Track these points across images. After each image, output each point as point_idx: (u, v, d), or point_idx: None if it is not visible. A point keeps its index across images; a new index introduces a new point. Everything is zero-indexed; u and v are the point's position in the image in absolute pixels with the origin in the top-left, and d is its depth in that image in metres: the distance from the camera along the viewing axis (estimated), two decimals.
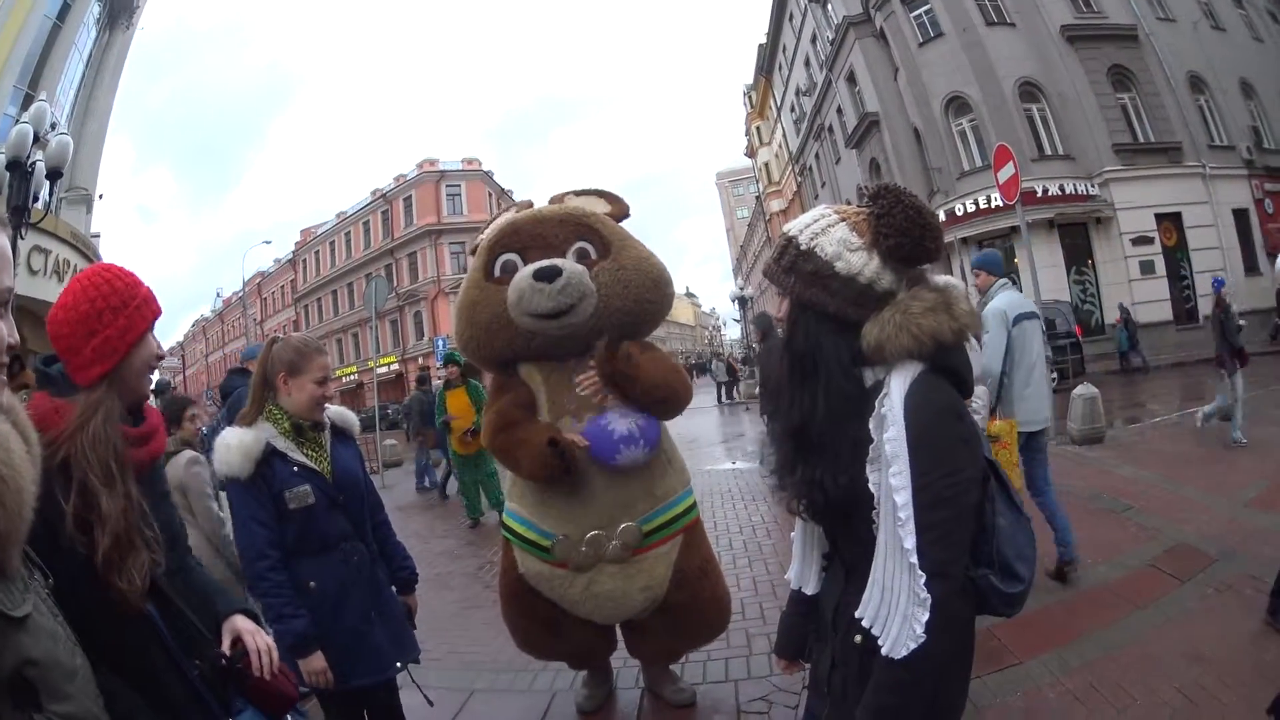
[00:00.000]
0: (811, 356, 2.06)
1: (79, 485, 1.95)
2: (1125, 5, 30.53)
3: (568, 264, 4.12)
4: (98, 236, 23.59)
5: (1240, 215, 30.10)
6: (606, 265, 4.24)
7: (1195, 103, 30.66)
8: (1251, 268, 29.91)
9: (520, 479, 4.38)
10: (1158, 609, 5.53)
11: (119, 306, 2.17)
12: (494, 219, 4.82)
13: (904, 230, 1.96)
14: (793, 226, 2.13)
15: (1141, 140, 29.73)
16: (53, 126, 13.89)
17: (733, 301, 53.49)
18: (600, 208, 4.63)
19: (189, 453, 5.23)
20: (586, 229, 4.36)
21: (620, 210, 4.72)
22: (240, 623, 2.35)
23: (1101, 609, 5.63)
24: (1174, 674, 4.56)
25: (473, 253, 4.60)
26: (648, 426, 4.15)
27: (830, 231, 2.04)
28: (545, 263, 4.10)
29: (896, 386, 1.90)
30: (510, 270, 4.25)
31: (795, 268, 2.06)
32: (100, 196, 24.93)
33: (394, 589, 3.81)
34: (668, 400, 4.27)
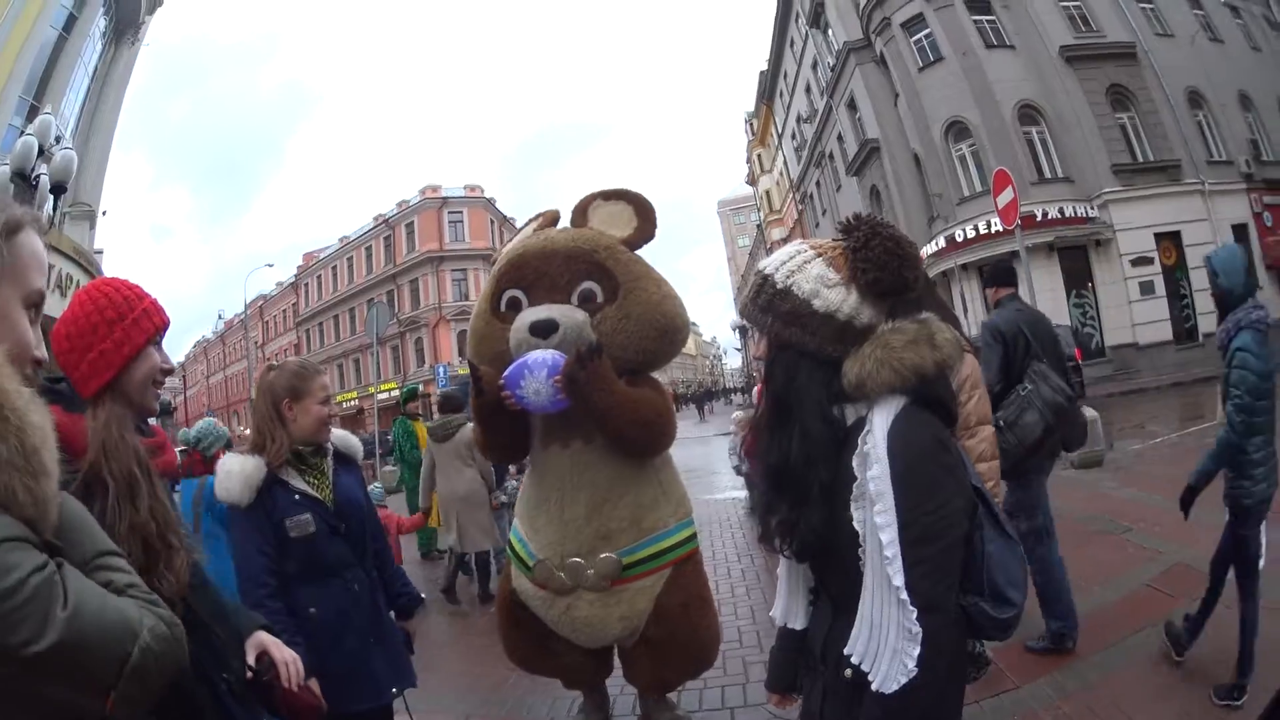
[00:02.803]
0: (789, 397, 2.05)
1: (109, 495, 1.93)
2: (1124, 23, 30.57)
3: (567, 317, 4.08)
4: (101, 253, 23.64)
5: (1239, 230, 29.82)
6: (611, 313, 4.17)
7: (1194, 119, 30.58)
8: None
9: (525, 503, 4.55)
10: (1156, 631, 5.42)
11: (116, 319, 2.16)
12: (517, 233, 4.90)
13: (881, 263, 1.94)
14: (768, 264, 2.11)
15: (1141, 160, 29.67)
16: (57, 140, 13.91)
17: (733, 330, 53.55)
18: (624, 224, 4.52)
19: None
20: (596, 267, 4.24)
21: (643, 234, 4.55)
22: (265, 637, 2.39)
23: (1100, 631, 5.57)
24: (1175, 695, 4.54)
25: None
26: (541, 364, 3.94)
27: (806, 268, 2.02)
28: (543, 315, 4.08)
29: (879, 423, 1.89)
30: (515, 307, 4.27)
31: (772, 307, 2.04)
32: (104, 213, 25.03)
33: (393, 614, 3.79)
34: (635, 428, 4.18)
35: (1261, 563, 4.47)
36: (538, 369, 3.89)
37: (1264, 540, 4.45)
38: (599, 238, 4.36)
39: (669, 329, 4.35)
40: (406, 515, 11.47)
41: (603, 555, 4.20)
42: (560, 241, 4.36)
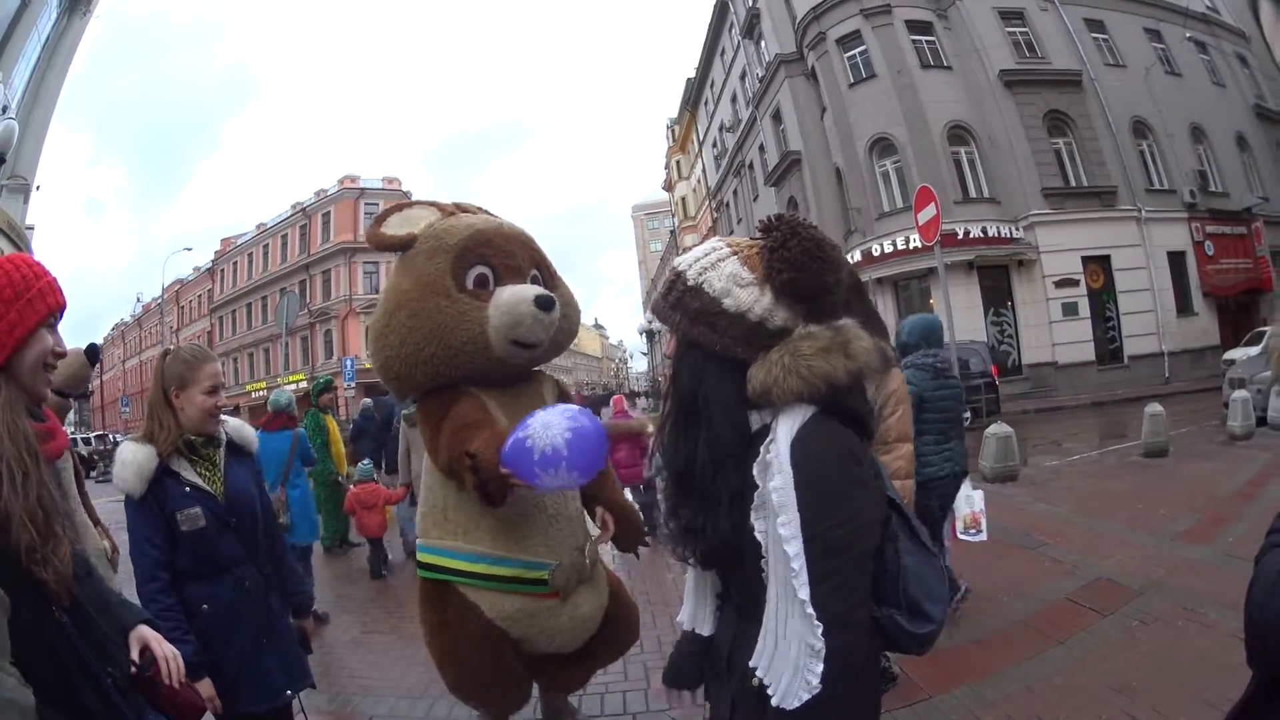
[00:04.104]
0: (695, 397, 2.00)
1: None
2: (1072, 51, 31.46)
3: (555, 299, 4.07)
4: (32, 229, 23.17)
5: (1175, 257, 31.04)
6: (557, 297, 4.13)
7: (1136, 147, 31.62)
8: (1185, 309, 31.04)
9: (485, 516, 4.04)
10: (1078, 642, 5.53)
11: (11, 299, 2.03)
12: (400, 209, 4.52)
13: (799, 264, 1.89)
14: (682, 261, 2.06)
15: (1074, 184, 30.54)
16: (3, 110, 13.39)
17: (640, 335, 53.65)
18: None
19: None
20: (539, 256, 4.34)
21: None
22: (147, 631, 2.28)
23: (1017, 644, 5.63)
24: (1100, 706, 4.56)
25: (385, 247, 4.29)
26: (578, 440, 3.35)
27: (720, 266, 1.97)
28: (544, 291, 4.02)
29: (783, 432, 1.83)
30: (483, 285, 4.06)
31: (681, 304, 1.99)
32: (37, 187, 24.39)
33: (290, 613, 3.70)
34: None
35: (948, 526, 6.42)
36: (585, 442, 3.36)
37: (956, 506, 6.35)
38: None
39: (578, 318, 4.51)
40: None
41: (589, 541, 4.23)
42: (508, 227, 4.36)
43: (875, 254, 30.60)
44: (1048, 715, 4.51)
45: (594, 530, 4.25)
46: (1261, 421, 13.50)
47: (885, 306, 29.64)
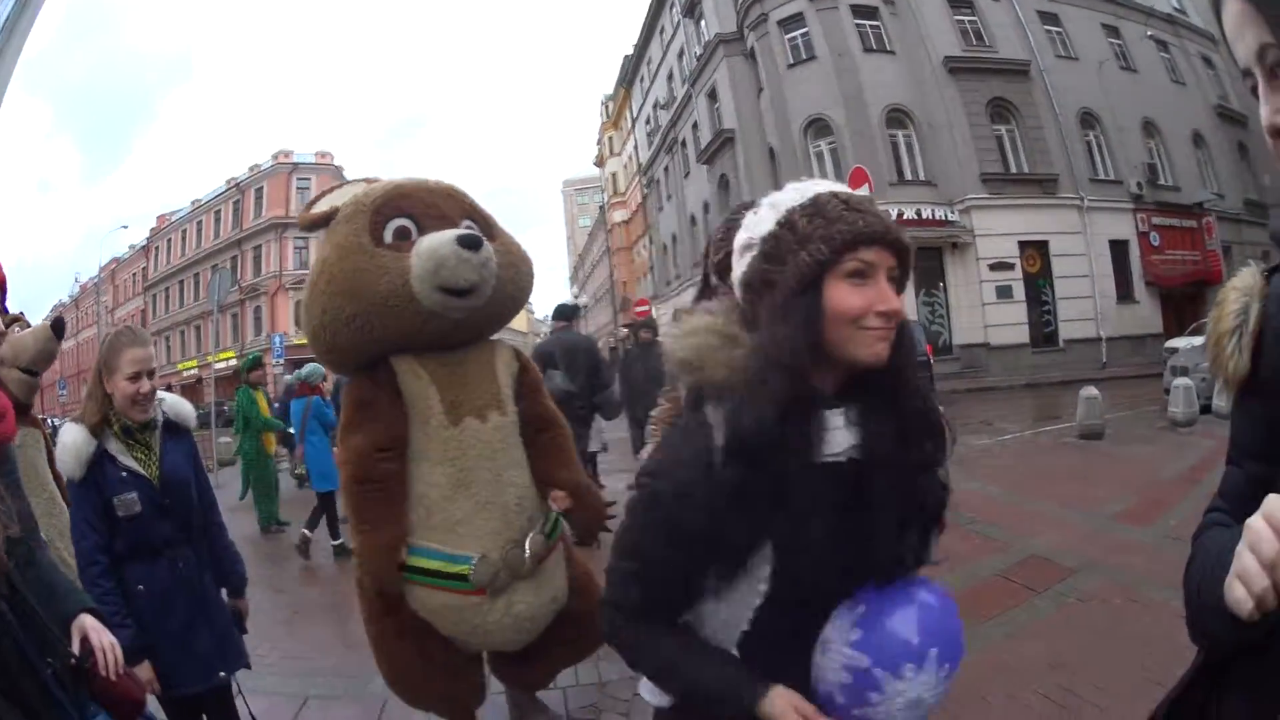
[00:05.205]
0: None
1: None
2: (1022, 42, 31.93)
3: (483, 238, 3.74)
4: None
5: (1118, 245, 31.70)
6: (498, 247, 3.86)
7: (1083, 138, 32.23)
8: (1125, 296, 31.73)
9: (416, 501, 3.79)
10: (1011, 619, 5.55)
11: None
12: (331, 190, 4.30)
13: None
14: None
15: (1014, 171, 31.03)
16: None
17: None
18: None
19: None
20: (471, 208, 4.03)
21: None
22: (87, 621, 2.26)
23: None
24: (1035, 681, 4.56)
25: (312, 226, 4.07)
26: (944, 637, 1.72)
27: None
28: (468, 230, 3.67)
29: None
30: (404, 236, 3.73)
31: None
32: None
33: (224, 593, 3.70)
34: None
35: None
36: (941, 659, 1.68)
37: None
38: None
39: (532, 274, 4.20)
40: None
41: (531, 535, 3.86)
42: (434, 182, 4.09)
43: None
44: (983, 691, 4.47)
45: (537, 531, 3.91)
46: (1205, 410, 13.45)
47: None
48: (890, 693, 1.57)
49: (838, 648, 1.63)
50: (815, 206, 1.63)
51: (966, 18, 32.08)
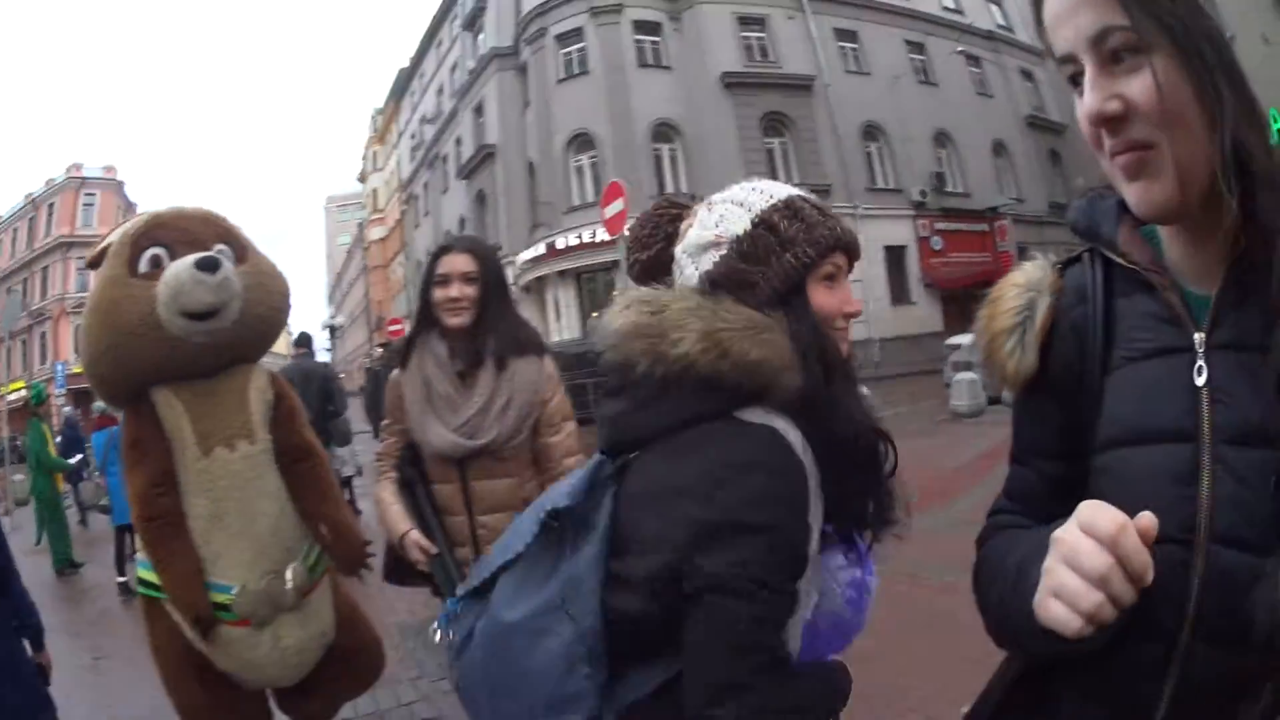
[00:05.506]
0: None
1: None
2: (808, 59, 32.96)
3: (223, 259, 3.64)
4: None
5: (895, 251, 33.15)
6: (247, 269, 3.79)
7: (864, 149, 33.60)
8: (901, 298, 33.39)
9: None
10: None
11: None
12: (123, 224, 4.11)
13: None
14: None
15: (782, 181, 31.55)
16: None
17: (323, 329, 52.16)
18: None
19: None
20: (226, 231, 3.92)
21: None
22: None
23: None
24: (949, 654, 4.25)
25: (92, 265, 3.87)
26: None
27: None
28: (205, 254, 3.56)
29: None
30: (158, 265, 3.62)
31: None
32: None
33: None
34: None
35: None
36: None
37: None
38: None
39: (287, 294, 4.11)
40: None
41: (291, 565, 3.72)
42: (192, 208, 4.02)
43: (560, 247, 31.53)
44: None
45: (297, 562, 3.79)
46: (994, 401, 13.68)
47: (567, 300, 31.21)
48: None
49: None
50: (791, 209, 1.67)
51: (754, 34, 33.05)
